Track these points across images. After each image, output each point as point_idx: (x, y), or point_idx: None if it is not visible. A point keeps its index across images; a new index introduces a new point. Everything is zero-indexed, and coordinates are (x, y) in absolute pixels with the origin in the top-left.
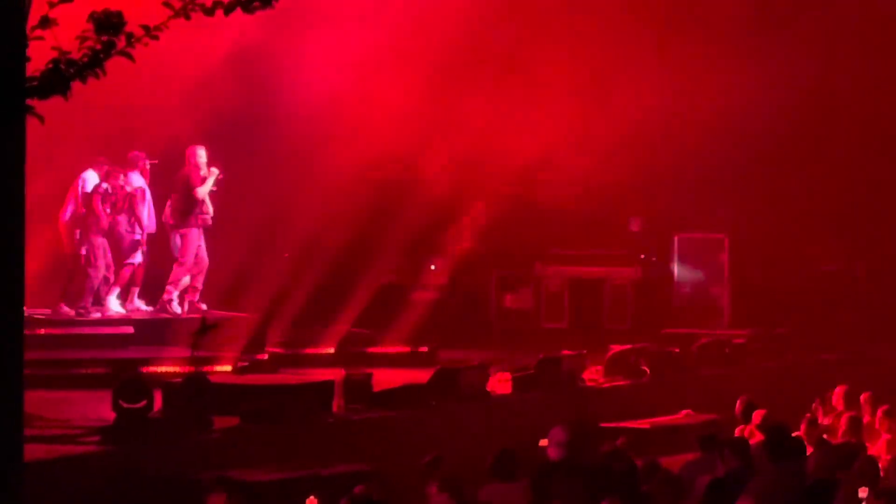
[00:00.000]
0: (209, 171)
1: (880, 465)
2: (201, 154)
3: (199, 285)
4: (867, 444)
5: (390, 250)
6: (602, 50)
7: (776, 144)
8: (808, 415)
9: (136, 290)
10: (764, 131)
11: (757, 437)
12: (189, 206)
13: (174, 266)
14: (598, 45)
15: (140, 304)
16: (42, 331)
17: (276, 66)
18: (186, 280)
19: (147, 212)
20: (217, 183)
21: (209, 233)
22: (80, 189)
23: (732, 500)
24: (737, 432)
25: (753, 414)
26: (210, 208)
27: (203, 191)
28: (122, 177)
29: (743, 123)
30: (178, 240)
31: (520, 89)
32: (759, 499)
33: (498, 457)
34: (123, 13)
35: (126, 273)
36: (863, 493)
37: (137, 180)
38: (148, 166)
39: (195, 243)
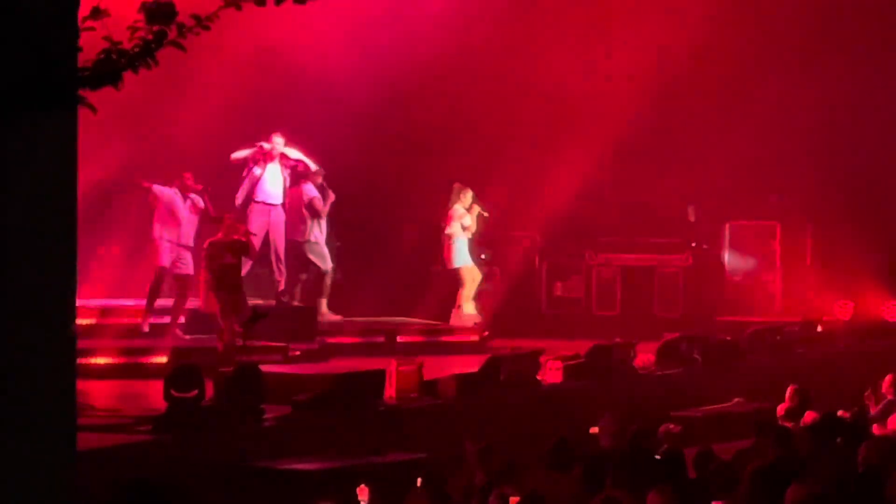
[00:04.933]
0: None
1: None
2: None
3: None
4: None
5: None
6: (662, 36)
7: (828, 133)
8: (858, 407)
9: None
10: (817, 120)
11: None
12: None
13: None
14: (657, 32)
15: None
16: (94, 320)
17: (323, 32)
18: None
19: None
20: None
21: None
22: None
23: (777, 488)
24: (787, 423)
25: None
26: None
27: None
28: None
29: (796, 112)
30: None
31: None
32: (811, 486)
33: (554, 446)
34: (175, 3)
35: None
36: None
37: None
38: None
39: None
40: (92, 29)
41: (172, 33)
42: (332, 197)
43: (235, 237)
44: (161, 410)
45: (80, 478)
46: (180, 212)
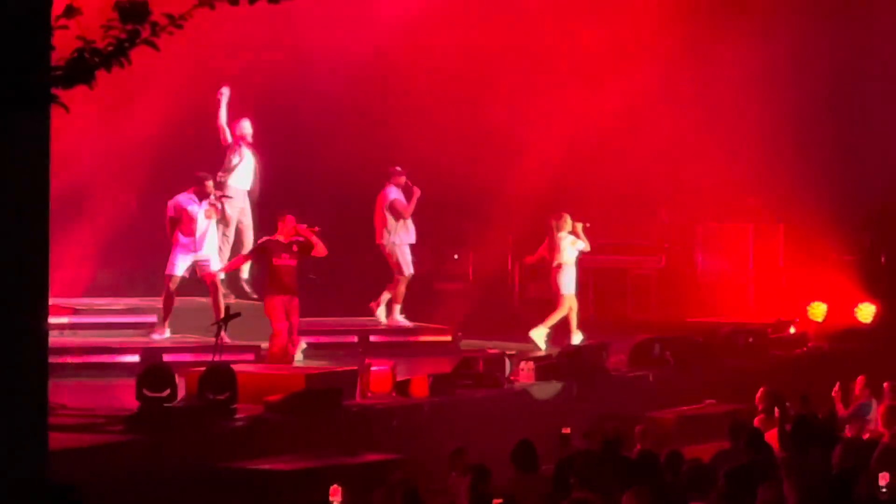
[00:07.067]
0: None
1: None
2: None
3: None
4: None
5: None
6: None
7: (802, 135)
8: (828, 408)
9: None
10: (790, 121)
11: (774, 428)
12: None
13: None
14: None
15: None
16: (67, 318)
17: (311, 31)
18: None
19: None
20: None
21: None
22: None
23: (750, 490)
24: (756, 422)
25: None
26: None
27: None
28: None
29: (769, 114)
30: None
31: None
32: (781, 487)
33: (517, 448)
34: (148, 2)
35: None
36: (883, 480)
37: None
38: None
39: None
40: (65, 27)
41: (146, 32)
42: (417, 193)
43: (295, 237)
44: (133, 410)
45: (52, 477)
46: (198, 218)
